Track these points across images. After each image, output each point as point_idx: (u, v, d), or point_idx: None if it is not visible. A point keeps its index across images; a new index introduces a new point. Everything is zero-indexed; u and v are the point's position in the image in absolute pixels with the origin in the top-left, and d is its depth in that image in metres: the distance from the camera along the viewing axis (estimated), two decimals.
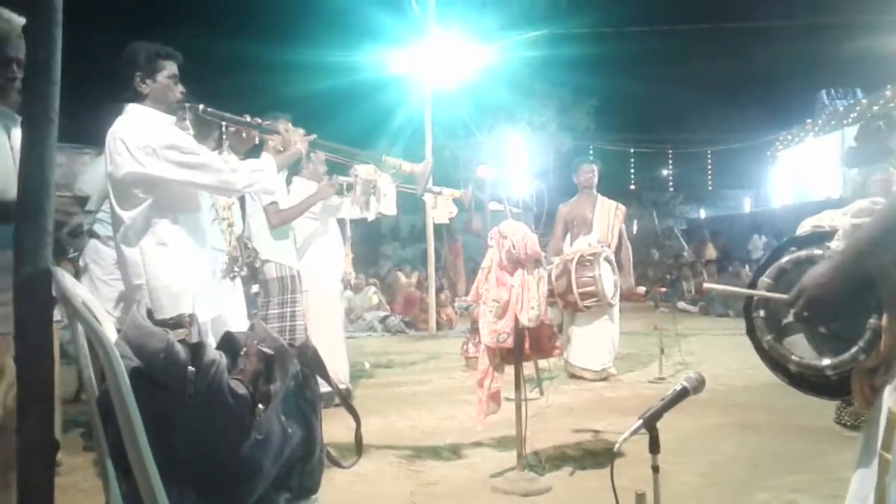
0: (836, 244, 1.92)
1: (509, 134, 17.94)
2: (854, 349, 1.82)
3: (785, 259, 1.97)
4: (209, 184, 3.05)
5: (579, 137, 20.10)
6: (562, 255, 6.32)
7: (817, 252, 1.93)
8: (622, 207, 6.72)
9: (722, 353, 7.18)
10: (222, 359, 1.81)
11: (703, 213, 32.05)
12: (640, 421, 1.93)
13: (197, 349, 1.80)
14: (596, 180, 6.72)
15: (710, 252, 17.40)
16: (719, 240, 19.43)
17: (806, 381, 1.95)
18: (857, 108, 24.09)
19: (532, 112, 18.24)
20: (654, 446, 1.93)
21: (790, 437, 4.29)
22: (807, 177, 27.15)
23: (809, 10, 18.83)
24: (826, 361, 1.86)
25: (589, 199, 6.66)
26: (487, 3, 15.86)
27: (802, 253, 1.95)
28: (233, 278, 4.03)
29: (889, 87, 19.82)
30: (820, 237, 1.98)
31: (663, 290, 10.44)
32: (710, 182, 33.36)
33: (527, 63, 16.33)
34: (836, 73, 25.54)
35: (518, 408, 3.58)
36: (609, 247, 6.34)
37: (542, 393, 3.97)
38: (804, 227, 2.06)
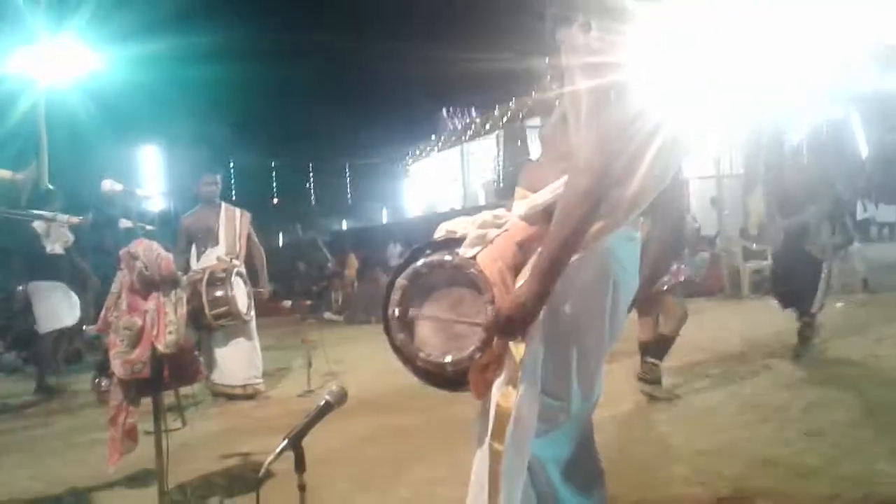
0: (464, 250, 2.10)
1: (141, 146, 16.85)
2: (471, 348, 2.01)
3: (420, 262, 2.13)
4: None
5: (218, 150, 19.62)
6: (189, 274, 5.99)
7: (447, 258, 2.10)
8: (247, 214, 6.53)
9: (367, 360, 7.45)
10: None
11: (345, 225, 33.29)
12: (285, 441, 1.89)
13: None
14: (218, 190, 6.47)
15: (353, 262, 18.06)
16: (360, 250, 20.27)
17: (431, 375, 2.13)
18: (473, 125, 26.89)
19: (167, 124, 17.36)
20: (300, 465, 1.89)
21: (432, 432, 4.59)
22: (434, 189, 29.63)
23: (431, 34, 20.54)
24: (448, 359, 2.04)
25: (212, 209, 6.39)
26: (113, 9, 14.70)
27: (435, 258, 2.12)
28: None
29: (497, 106, 22.48)
30: (451, 243, 2.16)
31: (308, 302, 10.57)
32: (349, 195, 34.75)
33: (162, 74, 15.51)
34: (454, 93, 28.18)
35: (158, 441, 3.30)
36: (238, 257, 6.19)
37: (184, 422, 3.73)
38: (440, 231, 2.25)
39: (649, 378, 5.07)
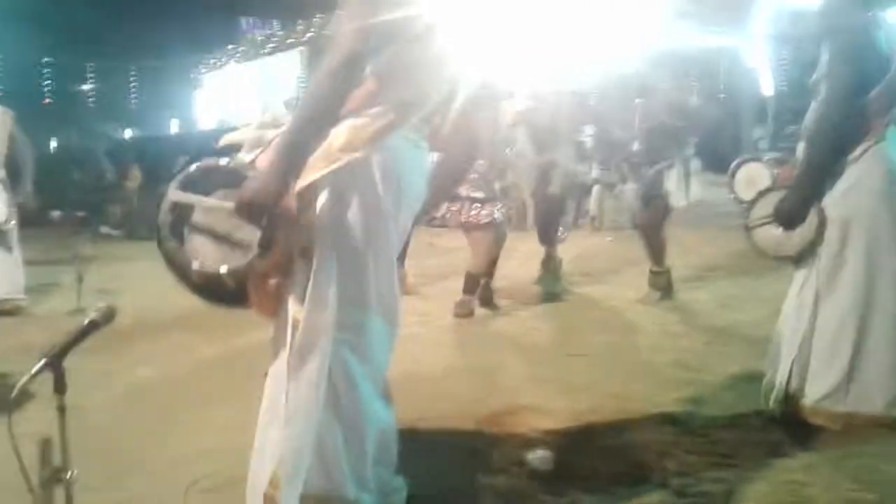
0: (242, 155, 2.00)
1: None
2: (251, 255, 1.88)
3: (193, 168, 1.99)
4: None
5: None
6: None
7: (222, 162, 1.99)
8: (10, 112, 5.86)
9: (147, 278, 6.97)
10: None
11: (129, 134, 30.88)
12: (43, 361, 1.73)
13: None
14: None
15: (136, 174, 16.88)
16: (145, 161, 18.95)
17: (210, 290, 1.98)
18: (275, 39, 25.78)
19: None
20: (60, 386, 1.73)
21: (218, 356, 4.47)
22: (229, 102, 28.25)
23: None
24: (224, 269, 1.89)
25: None
26: None
27: (210, 162, 2.00)
28: None
29: (301, 21, 21.65)
30: (229, 150, 2.07)
31: (81, 214, 9.72)
32: (133, 101, 32.12)
33: None
34: (256, 3, 26.76)
35: None
36: None
37: None
38: (223, 142, 2.12)
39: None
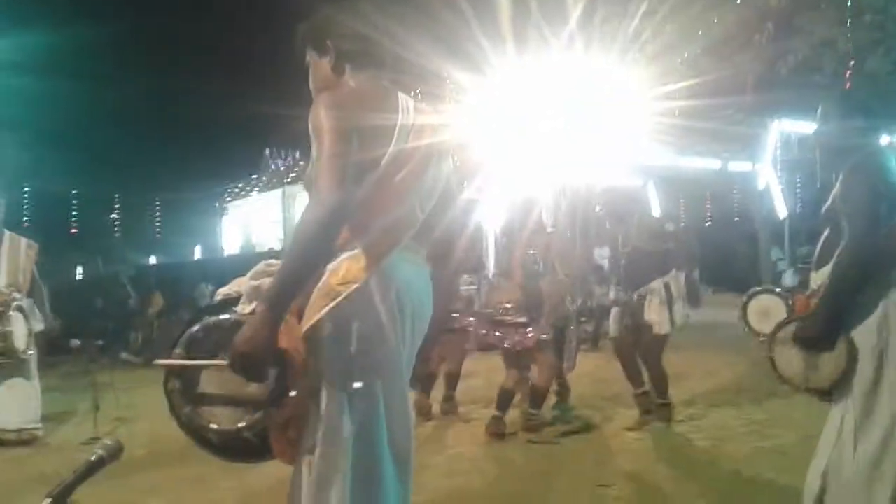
0: (241, 307, 1.98)
1: None
2: (266, 407, 1.86)
3: (196, 328, 1.97)
4: None
5: (10, 173, 17.93)
6: None
7: (224, 317, 1.97)
8: (34, 245, 5.96)
9: (164, 407, 6.95)
10: None
11: (153, 261, 31.49)
12: (49, 499, 1.69)
13: None
14: (1, 217, 5.85)
15: (158, 300, 17.07)
16: (168, 288, 19.20)
17: (231, 448, 1.93)
18: (296, 168, 26.63)
19: None
20: None
21: (232, 486, 4.36)
22: (253, 229, 28.92)
23: (255, 74, 20.20)
24: (241, 424, 1.86)
25: None
26: None
27: (212, 319, 1.98)
28: None
29: None
30: (228, 303, 2.03)
31: (100, 342, 9.75)
32: (159, 230, 32.96)
33: None
34: (278, 134, 27.85)
35: None
36: (21, 291, 5.69)
37: None
38: (218, 297, 2.10)
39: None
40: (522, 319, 5.52)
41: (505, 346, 5.59)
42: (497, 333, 5.59)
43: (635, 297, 5.67)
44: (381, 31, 2.20)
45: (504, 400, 5.57)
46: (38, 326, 5.83)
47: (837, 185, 2.92)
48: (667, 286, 5.61)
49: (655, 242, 5.72)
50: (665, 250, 5.75)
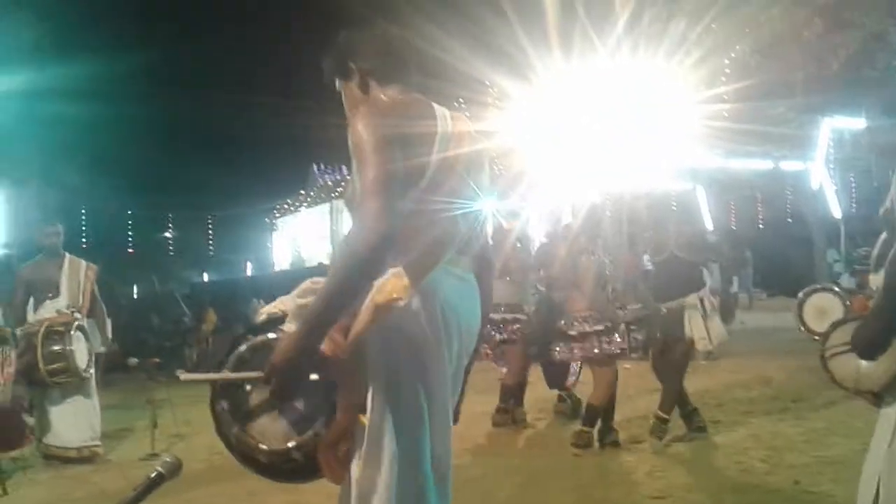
0: (287, 326, 1.98)
1: None
2: (315, 426, 1.86)
3: (243, 347, 1.97)
4: None
5: (69, 196, 18.49)
6: (24, 325, 5.61)
7: (272, 336, 1.97)
8: (93, 267, 6.17)
9: None
10: None
11: (206, 278, 32.10)
12: None
13: None
14: (60, 240, 6.06)
15: (211, 317, 17.39)
16: (221, 304, 19.53)
17: (278, 469, 1.94)
18: (343, 182, 26.85)
19: (13, 166, 16.17)
20: None
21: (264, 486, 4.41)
22: (302, 244, 29.24)
23: (302, 90, 20.42)
24: (291, 444, 1.86)
25: (54, 260, 5.98)
26: None
27: (259, 339, 1.98)
28: None
29: None
30: (274, 322, 2.02)
31: (156, 360, 9.96)
32: (211, 247, 33.58)
33: (9, 110, 14.41)
34: (326, 149, 28.15)
35: None
36: (81, 312, 5.85)
37: (5, 491, 3.40)
38: (261, 315, 2.11)
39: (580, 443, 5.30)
40: (600, 327, 5.30)
41: (595, 353, 5.31)
42: (575, 345, 5.34)
43: (664, 309, 5.42)
44: (401, 44, 2.22)
45: (592, 416, 5.37)
46: (99, 349, 6.00)
47: (893, 185, 2.84)
48: (702, 301, 5.37)
49: (694, 253, 5.49)
50: (703, 262, 5.55)
